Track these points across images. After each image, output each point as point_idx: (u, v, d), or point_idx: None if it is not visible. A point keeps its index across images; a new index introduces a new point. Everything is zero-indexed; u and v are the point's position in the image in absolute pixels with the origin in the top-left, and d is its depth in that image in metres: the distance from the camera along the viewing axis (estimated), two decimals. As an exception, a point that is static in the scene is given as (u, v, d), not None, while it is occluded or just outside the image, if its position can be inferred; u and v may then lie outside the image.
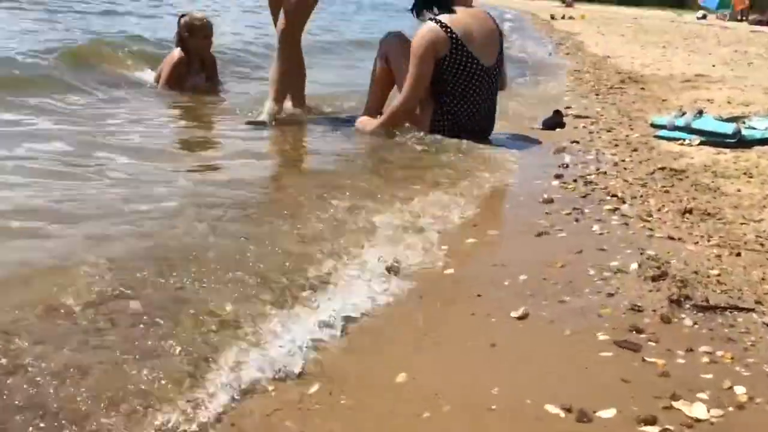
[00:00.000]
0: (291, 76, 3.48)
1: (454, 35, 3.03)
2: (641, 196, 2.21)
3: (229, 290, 1.39)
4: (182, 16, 4.38)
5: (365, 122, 3.25)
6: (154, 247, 1.62)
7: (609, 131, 3.45)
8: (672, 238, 1.80)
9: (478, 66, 3.08)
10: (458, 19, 3.07)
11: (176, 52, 4.36)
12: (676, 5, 53.66)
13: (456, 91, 3.09)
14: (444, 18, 3.06)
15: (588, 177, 2.48)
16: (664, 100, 4.43)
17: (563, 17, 22.52)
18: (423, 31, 3.07)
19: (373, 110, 3.30)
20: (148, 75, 4.65)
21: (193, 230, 1.73)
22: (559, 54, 8.88)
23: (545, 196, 2.23)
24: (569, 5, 45.47)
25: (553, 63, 7.36)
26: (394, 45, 3.23)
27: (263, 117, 3.28)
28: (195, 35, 4.30)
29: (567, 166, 2.67)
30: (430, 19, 3.09)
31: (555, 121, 3.59)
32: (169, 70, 4.35)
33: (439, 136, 3.04)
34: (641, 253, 1.63)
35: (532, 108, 4.39)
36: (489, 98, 3.19)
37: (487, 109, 3.20)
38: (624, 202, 2.15)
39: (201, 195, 2.10)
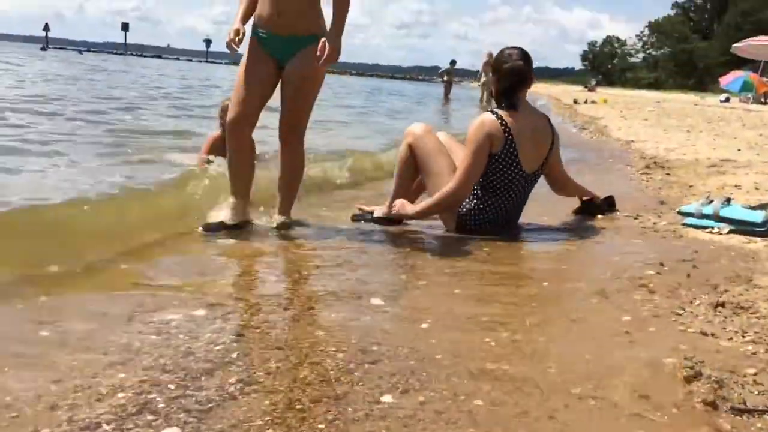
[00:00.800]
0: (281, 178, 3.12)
1: (509, 135, 3.02)
2: (671, 287, 2.19)
3: None
4: (226, 99, 4.68)
5: (405, 205, 3.21)
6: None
7: (636, 218, 3.46)
8: (705, 334, 1.77)
9: (519, 171, 3.07)
10: (516, 119, 3.05)
11: (217, 132, 4.84)
12: (698, 88, 54.49)
13: (493, 187, 3.09)
14: (503, 114, 3.05)
15: (619, 263, 2.47)
16: (690, 186, 4.44)
17: (586, 102, 22.92)
18: (483, 121, 3.05)
19: (399, 196, 3.31)
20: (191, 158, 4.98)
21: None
22: (583, 137, 9.01)
23: (578, 284, 2.23)
24: (591, 89, 46.49)
25: (579, 151, 7.43)
26: (421, 134, 3.26)
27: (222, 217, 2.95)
28: None
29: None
30: (491, 111, 3.09)
31: (608, 203, 3.62)
32: (207, 144, 4.89)
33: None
34: (674, 350, 1.60)
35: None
36: (521, 202, 3.22)
37: (517, 210, 3.24)
38: (654, 293, 2.13)
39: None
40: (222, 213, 2.96)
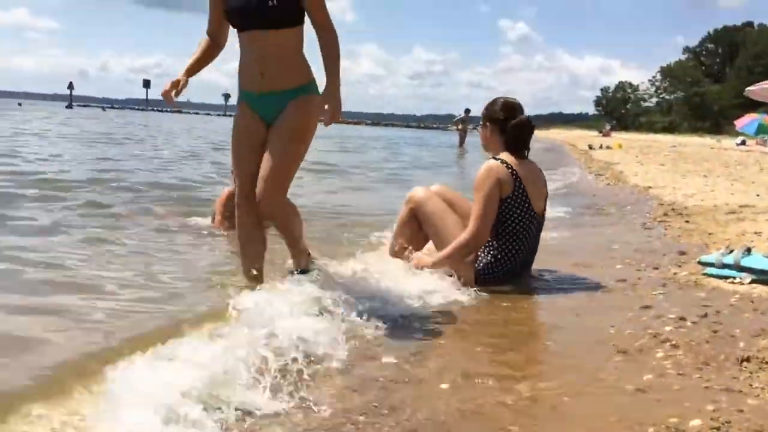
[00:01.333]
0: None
1: (517, 178, 3.10)
2: (694, 342, 2.16)
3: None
4: None
5: (422, 258, 3.23)
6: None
7: (656, 269, 3.44)
8: (731, 390, 1.75)
9: (531, 212, 3.14)
10: (520, 163, 3.17)
11: (225, 190, 4.71)
12: (714, 131, 54.48)
13: (508, 234, 3.12)
14: (507, 159, 3.14)
15: (641, 319, 2.46)
16: (710, 234, 4.41)
17: (601, 147, 22.99)
18: (490, 167, 3.11)
19: (398, 255, 3.39)
20: (205, 220, 4.93)
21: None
22: (599, 185, 9.01)
23: (600, 340, 2.21)
24: (606, 134, 46.70)
25: (595, 198, 7.44)
26: (423, 198, 3.33)
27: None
28: None
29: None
30: (494, 158, 3.17)
31: None
32: (220, 209, 4.69)
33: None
34: (699, 411, 1.58)
35: (574, 240, 4.46)
36: (534, 246, 3.25)
37: (531, 255, 3.26)
38: (677, 348, 2.11)
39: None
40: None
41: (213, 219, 4.78)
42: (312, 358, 2.04)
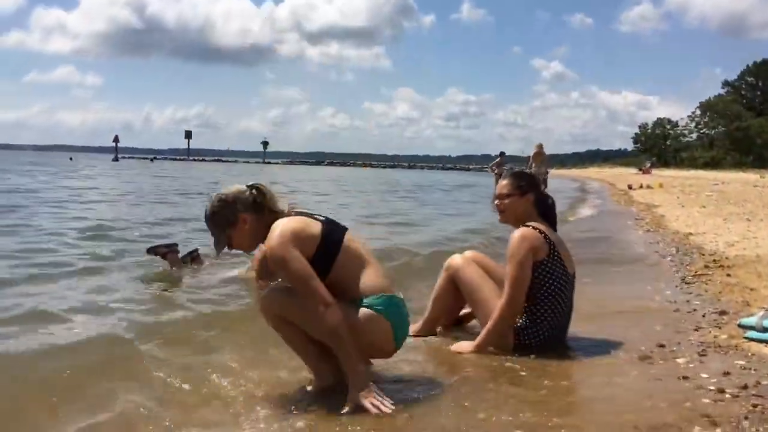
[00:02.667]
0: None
1: (549, 241, 3.19)
2: (734, 418, 2.17)
3: None
4: None
5: (462, 345, 3.24)
6: None
7: (696, 330, 3.43)
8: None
9: (565, 273, 3.21)
10: (548, 229, 3.25)
11: (262, 247, 4.77)
12: (758, 164, 53.20)
13: (545, 297, 3.17)
14: (537, 225, 3.23)
15: (679, 391, 2.47)
16: (752, 290, 4.37)
17: (641, 186, 22.77)
18: (524, 235, 3.17)
19: (432, 321, 3.52)
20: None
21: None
22: (638, 231, 8.94)
23: (637, 418, 2.23)
24: (646, 171, 46.19)
25: (636, 247, 7.39)
26: (462, 265, 3.42)
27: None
28: None
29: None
30: (526, 226, 3.23)
31: None
32: (258, 267, 4.55)
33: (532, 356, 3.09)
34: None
35: (614, 296, 4.46)
36: (570, 308, 3.30)
37: (567, 318, 3.30)
38: (716, 426, 2.12)
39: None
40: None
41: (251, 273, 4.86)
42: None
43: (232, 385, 2.75)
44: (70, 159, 68.29)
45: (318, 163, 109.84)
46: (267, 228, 2.60)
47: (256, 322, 3.05)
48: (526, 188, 3.36)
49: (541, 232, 3.20)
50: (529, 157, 19.10)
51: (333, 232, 2.66)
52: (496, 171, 23.28)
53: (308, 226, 2.61)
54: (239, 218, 2.65)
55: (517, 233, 3.23)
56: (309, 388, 2.69)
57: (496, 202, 3.42)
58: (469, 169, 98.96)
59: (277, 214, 2.66)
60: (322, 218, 2.70)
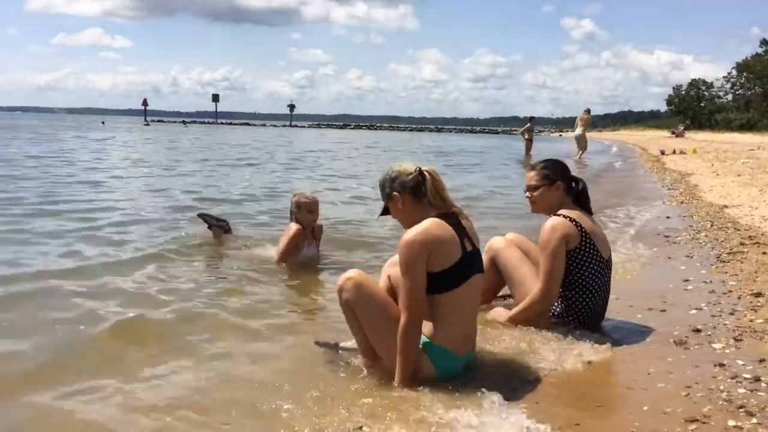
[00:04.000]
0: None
1: (583, 229, 3.25)
2: (769, 408, 2.25)
3: None
4: (294, 195, 5.13)
5: (500, 312, 3.45)
6: None
7: (732, 314, 3.49)
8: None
9: (600, 258, 3.29)
10: (580, 216, 3.31)
11: (293, 225, 5.01)
12: (795, 127, 51.49)
13: (579, 284, 3.26)
14: (569, 213, 3.30)
15: (715, 379, 2.56)
16: (789, 269, 4.38)
17: (674, 152, 22.35)
18: (554, 225, 3.24)
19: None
20: (270, 251, 5.28)
21: None
22: (672, 204, 8.88)
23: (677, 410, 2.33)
24: (679, 135, 45.12)
25: (669, 221, 7.36)
26: (502, 247, 3.54)
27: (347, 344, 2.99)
28: (302, 210, 5.01)
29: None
30: (557, 215, 3.31)
31: None
32: (287, 241, 4.96)
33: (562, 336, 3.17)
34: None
35: (647, 278, 4.51)
36: (607, 292, 3.37)
37: (604, 302, 3.38)
38: (751, 416, 2.21)
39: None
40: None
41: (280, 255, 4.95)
42: None
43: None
44: (102, 123, 69.12)
45: (344, 126, 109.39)
46: (422, 216, 2.69)
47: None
48: (554, 177, 3.41)
49: (572, 220, 3.26)
50: (577, 119, 18.90)
51: (469, 267, 2.68)
52: (526, 136, 23.10)
53: (450, 245, 2.62)
54: (393, 196, 2.78)
55: (548, 224, 3.29)
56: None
57: (527, 194, 3.47)
58: (497, 132, 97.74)
59: (437, 208, 2.71)
60: (469, 248, 2.69)
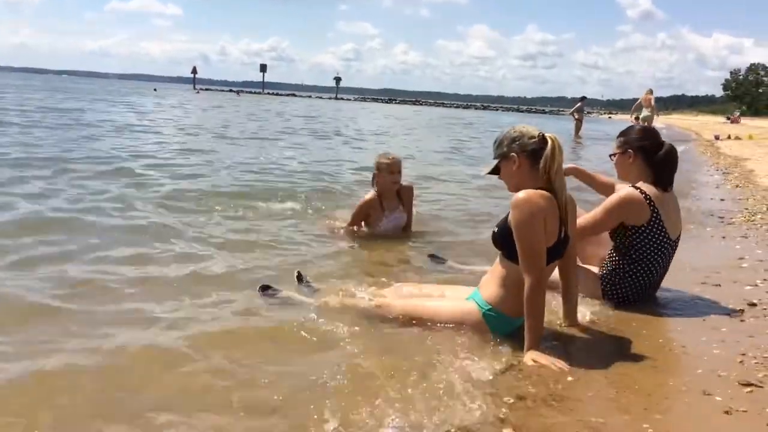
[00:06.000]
0: None
1: (653, 206, 3.22)
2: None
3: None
4: (382, 155, 4.81)
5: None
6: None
7: (789, 292, 3.49)
8: None
9: (667, 238, 3.27)
10: (656, 193, 3.25)
11: (369, 194, 4.80)
12: None
13: (641, 259, 3.26)
14: (645, 188, 3.24)
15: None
16: None
17: (729, 137, 21.73)
18: (627, 193, 3.21)
19: None
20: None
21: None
22: (726, 187, 8.72)
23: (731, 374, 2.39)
24: (735, 121, 43.69)
25: (723, 203, 7.25)
26: None
27: None
28: (382, 172, 4.73)
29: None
30: (634, 187, 3.26)
31: None
32: (356, 211, 4.84)
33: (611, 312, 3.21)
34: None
35: (701, 253, 4.50)
36: (667, 267, 3.39)
37: (661, 277, 3.40)
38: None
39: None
40: None
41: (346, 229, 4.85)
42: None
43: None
44: (155, 90, 70.43)
45: (390, 101, 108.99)
46: (532, 182, 2.67)
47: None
48: (624, 145, 3.39)
49: (645, 194, 3.21)
50: (640, 100, 18.53)
51: (556, 253, 2.69)
52: (576, 116, 22.72)
53: (554, 224, 2.62)
54: (511, 156, 2.76)
55: (624, 190, 3.26)
56: None
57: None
58: (545, 112, 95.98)
59: (545, 182, 2.66)
60: (562, 234, 2.69)
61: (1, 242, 4.12)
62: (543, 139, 2.69)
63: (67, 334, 2.73)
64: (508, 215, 2.69)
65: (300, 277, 3.52)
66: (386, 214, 4.79)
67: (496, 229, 2.79)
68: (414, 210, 5.09)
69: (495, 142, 2.85)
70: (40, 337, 2.68)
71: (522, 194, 2.59)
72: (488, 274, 2.89)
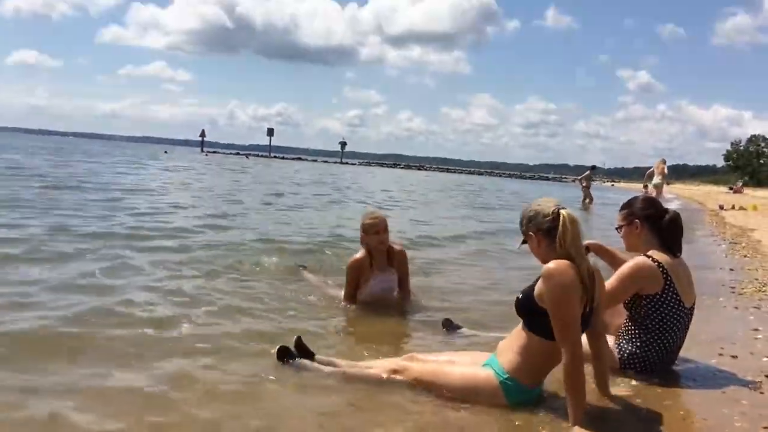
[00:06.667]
0: None
1: (667, 275, 3.23)
2: None
3: None
4: (368, 216, 4.59)
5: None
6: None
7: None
8: None
9: (682, 307, 3.27)
10: (667, 260, 3.27)
11: (358, 254, 4.58)
12: None
13: (657, 328, 3.26)
14: (658, 256, 3.26)
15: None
16: None
17: (733, 207, 21.85)
18: (639, 262, 3.21)
19: None
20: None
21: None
22: (735, 257, 8.75)
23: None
24: (738, 191, 44.02)
25: (733, 273, 7.27)
26: None
27: None
28: (368, 233, 4.52)
29: None
30: (645, 255, 3.28)
31: None
32: (347, 271, 4.57)
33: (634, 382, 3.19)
34: None
35: (715, 324, 4.50)
36: (683, 337, 3.38)
37: (678, 347, 3.39)
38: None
39: None
40: None
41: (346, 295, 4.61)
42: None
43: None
44: (165, 152, 71.46)
45: (394, 165, 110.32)
46: (554, 257, 2.66)
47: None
48: (630, 216, 3.43)
49: (657, 263, 3.24)
50: (653, 168, 18.80)
51: (580, 328, 2.63)
52: (584, 184, 22.98)
53: (577, 298, 2.59)
54: (528, 235, 2.81)
55: (636, 260, 3.27)
56: None
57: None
58: (548, 179, 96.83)
59: (567, 257, 2.64)
60: (588, 309, 2.68)
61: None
62: (555, 217, 2.71)
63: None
64: (534, 283, 2.71)
65: (300, 345, 3.33)
66: (375, 275, 4.58)
67: (520, 295, 2.79)
68: (412, 276, 4.95)
69: (519, 218, 2.90)
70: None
71: (552, 264, 2.61)
72: (507, 341, 2.87)
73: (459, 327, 4.20)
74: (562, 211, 2.72)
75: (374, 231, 4.50)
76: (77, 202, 10.78)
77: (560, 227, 2.67)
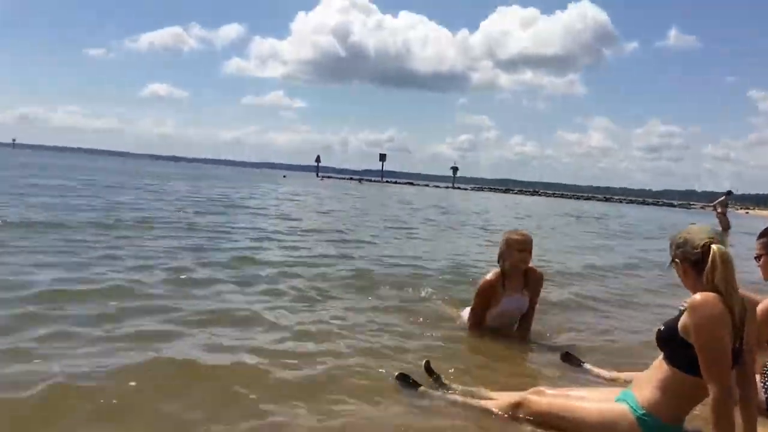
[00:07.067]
0: None
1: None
2: None
3: None
4: (511, 232, 4.40)
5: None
6: None
7: None
8: None
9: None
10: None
11: (491, 273, 4.35)
12: None
13: None
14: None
15: None
16: None
17: None
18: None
19: None
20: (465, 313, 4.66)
21: None
22: None
23: None
24: None
25: None
26: None
27: None
28: (511, 248, 4.28)
29: None
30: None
31: None
32: (478, 291, 4.34)
33: None
34: None
35: None
36: None
37: None
38: None
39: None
40: None
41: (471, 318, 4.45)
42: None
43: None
44: (284, 176, 74.47)
45: (507, 190, 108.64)
46: (701, 288, 2.50)
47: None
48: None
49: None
50: None
51: (737, 353, 2.50)
52: (719, 210, 21.34)
53: (727, 334, 2.42)
54: (676, 263, 2.65)
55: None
56: None
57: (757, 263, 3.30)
58: (673, 206, 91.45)
59: (716, 292, 2.46)
60: (737, 345, 2.51)
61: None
62: (707, 251, 2.50)
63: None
64: (678, 315, 2.52)
65: (429, 369, 3.35)
66: (507, 294, 4.30)
67: (662, 327, 2.61)
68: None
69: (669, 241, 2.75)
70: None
71: (699, 297, 2.43)
72: (645, 374, 2.68)
73: (581, 362, 3.88)
74: (714, 247, 2.49)
75: (521, 248, 4.28)
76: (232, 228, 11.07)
77: (710, 263, 2.47)
